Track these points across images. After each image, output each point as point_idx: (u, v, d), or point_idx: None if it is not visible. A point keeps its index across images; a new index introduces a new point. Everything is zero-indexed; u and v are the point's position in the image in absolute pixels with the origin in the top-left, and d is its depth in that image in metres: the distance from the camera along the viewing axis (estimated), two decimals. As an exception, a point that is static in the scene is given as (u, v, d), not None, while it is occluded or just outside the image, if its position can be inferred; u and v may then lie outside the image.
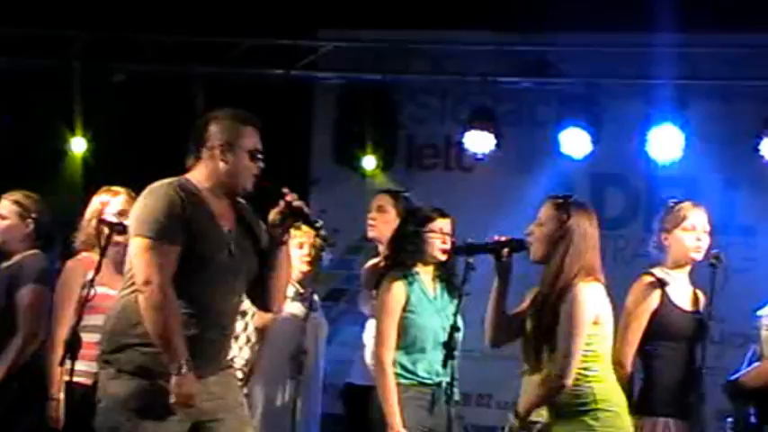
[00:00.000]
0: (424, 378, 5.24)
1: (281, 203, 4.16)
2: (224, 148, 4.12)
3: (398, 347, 5.25)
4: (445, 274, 5.36)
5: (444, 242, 5.30)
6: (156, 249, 3.97)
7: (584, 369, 4.45)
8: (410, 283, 5.30)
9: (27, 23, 8.35)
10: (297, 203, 4.15)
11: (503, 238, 4.63)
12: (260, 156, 4.17)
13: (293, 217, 4.16)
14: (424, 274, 5.34)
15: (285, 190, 4.16)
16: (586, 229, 4.51)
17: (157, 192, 4.06)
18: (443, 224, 5.35)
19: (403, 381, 5.23)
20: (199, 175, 4.14)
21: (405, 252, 5.34)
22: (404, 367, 5.24)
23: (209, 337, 4.10)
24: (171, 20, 8.35)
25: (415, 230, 5.34)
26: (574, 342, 4.38)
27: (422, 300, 5.30)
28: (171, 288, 3.96)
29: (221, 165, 4.13)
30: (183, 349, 3.94)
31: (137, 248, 4.01)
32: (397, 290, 5.27)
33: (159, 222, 3.98)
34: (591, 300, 4.43)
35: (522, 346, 4.65)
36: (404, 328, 5.26)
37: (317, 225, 4.30)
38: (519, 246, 4.61)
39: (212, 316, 4.09)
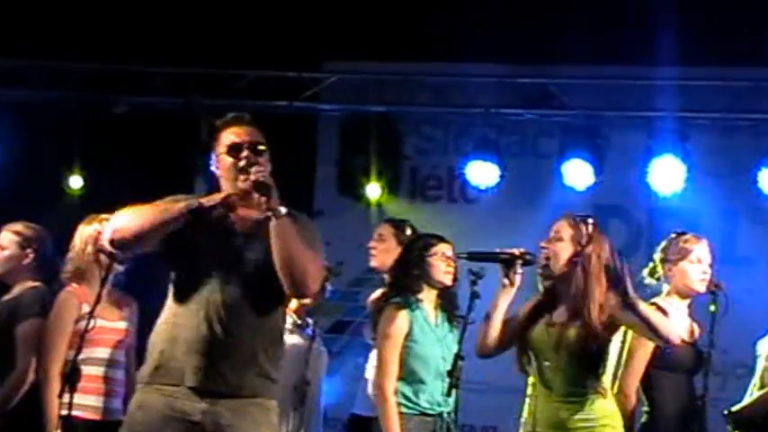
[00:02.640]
0: (426, 408, 5.21)
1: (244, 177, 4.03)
2: (215, 161, 4.15)
3: (400, 377, 5.22)
4: (447, 302, 5.36)
5: (449, 266, 5.31)
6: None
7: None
8: (413, 311, 5.27)
9: (28, 55, 8.37)
10: (255, 174, 3.98)
11: (517, 251, 4.64)
12: (242, 148, 4.07)
13: (261, 193, 3.99)
14: (428, 301, 5.33)
15: (251, 168, 4.01)
16: (605, 255, 4.59)
17: None
18: (446, 248, 5.37)
19: (405, 410, 5.19)
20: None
21: (410, 277, 5.34)
22: (406, 397, 5.22)
23: (211, 336, 3.97)
24: (174, 52, 8.39)
25: (419, 255, 5.35)
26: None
27: (424, 328, 5.28)
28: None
29: (217, 172, 4.16)
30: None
31: None
32: (400, 318, 5.24)
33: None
34: None
35: (545, 373, 4.61)
36: (406, 358, 5.23)
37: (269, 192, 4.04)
38: (532, 260, 4.63)
39: (209, 312, 3.98)
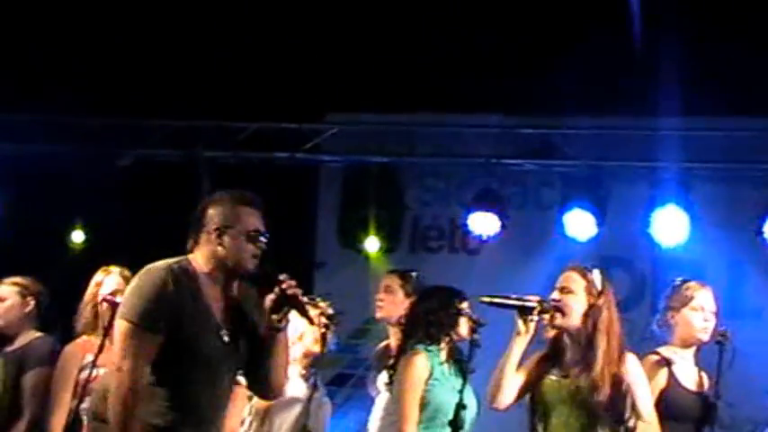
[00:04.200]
0: None
1: (276, 290, 4.01)
2: (220, 231, 4.02)
3: (419, 423, 5.18)
4: (458, 354, 5.33)
5: (471, 322, 5.27)
6: (135, 336, 3.85)
7: None
8: (432, 357, 5.27)
9: (31, 110, 8.41)
10: (291, 291, 4.00)
11: (534, 298, 4.60)
12: (261, 237, 4.06)
13: (288, 305, 4.02)
14: (444, 352, 5.32)
15: (282, 276, 4.03)
16: (614, 308, 4.60)
17: (151, 273, 3.97)
18: (466, 305, 5.36)
19: None
20: (200, 258, 4.05)
21: (434, 327, 5.31)
22: None
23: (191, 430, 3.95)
24: (175, 104, 8.42)
25: (447, 306, 5.31)
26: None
27: (442, 376, 5.26)
28: (141, 379, 3.84)
29: (219, 249, 4.02)
30: None
31: (119, 331, 3.92)
32: (421, 363, 5.23)
33: (144, 307, 3.87)
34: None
35: (556, 427, 4.56)
36: (426, 404, 5.20)
37: (311, 316, 4.19)
38: (549, 309, 4.59)
39: (196, 407, 3.94)
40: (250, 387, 4.25)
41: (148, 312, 3.86)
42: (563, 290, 4.61)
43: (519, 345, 4.61)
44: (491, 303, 4.71)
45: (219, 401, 4.04)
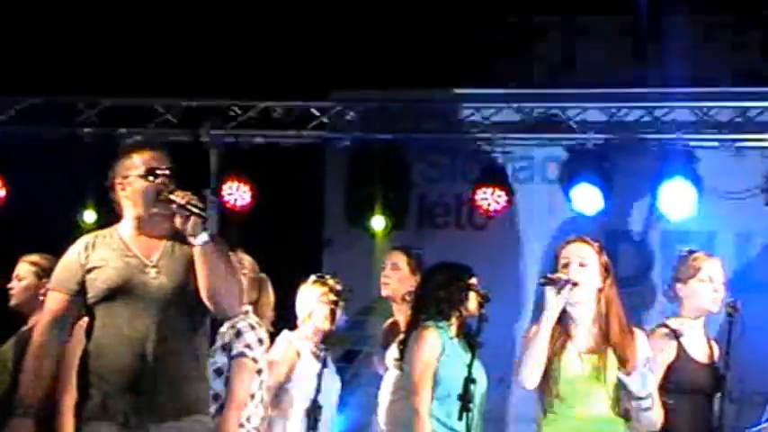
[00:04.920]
0: (459, 431, 5.12)
1: (173, 206, 4.08)
2: (121, 183, 4.22)
3: (432, 398, 5.19)
4: (466, 330, 5.33)
5: (479, 297, 5.27)
6: (49, 298, 4.27)
7: None
8: (442, 333, 5.26)
9: (39, 93, 8.42)
10: (183, 200, 4.04)
11: (563, 276, 4.54)
12: (159, 172, 4.13)
13: (184, 214, 4.04)
14: (454, 327, 5.32)
15: (174, 193, 4.07)
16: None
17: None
18: (475, 281, 5.36)
19: None
20: (123, 219, 4.26)
21: (444, 303, 5.31)
22: (439, 421, 5.19)
23: (128, 365, 4.07)
24: (181, 84, 8.41)
25: (456, 282, 5.29)
26: None
27: (453, 351, 5.26)
28: (50, 331, 4.20)
29: (125, 202, 4.22)
30: (26, 392, 4.14)
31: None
32: (433, 338, 5.24)
33: (56, 273, 4.27)
34: None
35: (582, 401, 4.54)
36: (437, 379, 5.21)
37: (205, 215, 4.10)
38: (571, 282, 4.56)
39: (126, 342, 4.08)
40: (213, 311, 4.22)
41: (57, 275, 4.27)
42: (578, 263, 4.57)
43: (551, 321, 4.53)
44: (546, 283, 4.60)
45: (154, 335, 4.09)
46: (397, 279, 6.02)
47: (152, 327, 4.08)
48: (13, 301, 5.47)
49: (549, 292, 4.51)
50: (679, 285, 5.08)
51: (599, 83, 7.97)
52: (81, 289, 4.20)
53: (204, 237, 4.02)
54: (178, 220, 4.05)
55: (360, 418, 6.29)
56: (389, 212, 8.41)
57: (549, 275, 4.55)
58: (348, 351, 8.29)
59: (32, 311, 5.43)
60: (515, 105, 8.09)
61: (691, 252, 5.14)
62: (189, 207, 4.00)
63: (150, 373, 4.07)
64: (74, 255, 4.25)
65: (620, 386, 4.49)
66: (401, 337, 5.61)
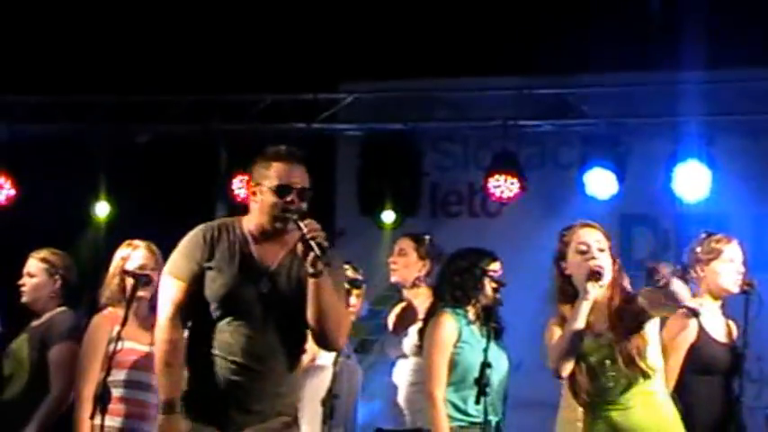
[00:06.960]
0: (474, 417, 5.12)
1: (300, 235, 4.02)
2: (254, 189, 4.14)
3: (448, 384, 5.18)
4: (488, 316, 5.30)
5: (493, 283, 5.24)
6: (166, 284, 4.13)
7: None
8: (461, 318, 5.25)
9: (51, 92, 8.45)
10: (309, 232, 3.96)
11: (601, 268, 4.49)
12: (291, 190, 4.05)
13: (307, 248, 3.98)
14: (472, 314, 5.31)
15: (305, 221, 3.99)
16: None
17: (191, 232, 4.18)
18: (497, 266, 5.33)
19: (454, 423, 5.15)
20: (249, 216, 4.18)
21: (459, 289, 5.29)
22: (455, 406, 5.18)
23: (235, 379, 4.03)
24: (190, 79, 8.42)
25: (472, 268, 5.28)
26: None
27: (471, 337, 5.25)
28: (174, 323, 4.08)
29: (253, 206, 4.15)
30: (169, 388, 4.02)
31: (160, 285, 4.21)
32: (449, 324, 5.22)
33: (173, 259, 4.15)
34: None
35: (605, 383, 4.50)
36: (454, 365, 5.19)
37: (324, 258, 4.02)
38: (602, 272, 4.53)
39: (239, 356, 4.04)
40: (314, 339, 4.21)
41: (175, 261, 4.12)
42: (597, 248, 4.53)
43: (586, 311, 4.47)
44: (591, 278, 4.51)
45: (266, 351, 4.06)
46: (404, 265, 6.01)
47: (258, 336, 4.07)
48: (24, 298, 5.46)
49: (592, 283, 4.48)
50: (699, 267, 5.06)
51: (611, 67, 7.93)
52: (198, 282, 4.11)
53: (320, 271, 3.99)
54: (300, 247, 4.00)
55: (377, 407, 6.27)
56: (402, 201, 8.40)
57: (596, 269, 4.49)
58: (363, 340, 8.29)
59: (44, 308, 5.42)
60: (526, 92, 8.06)
61: (709, 234, 5.12)
62: (312, 244, 3.95)
63: (249, 386, 4.06)
64: (197, 242, 4.12)
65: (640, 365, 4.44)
66: (419, 325, 5.59)
